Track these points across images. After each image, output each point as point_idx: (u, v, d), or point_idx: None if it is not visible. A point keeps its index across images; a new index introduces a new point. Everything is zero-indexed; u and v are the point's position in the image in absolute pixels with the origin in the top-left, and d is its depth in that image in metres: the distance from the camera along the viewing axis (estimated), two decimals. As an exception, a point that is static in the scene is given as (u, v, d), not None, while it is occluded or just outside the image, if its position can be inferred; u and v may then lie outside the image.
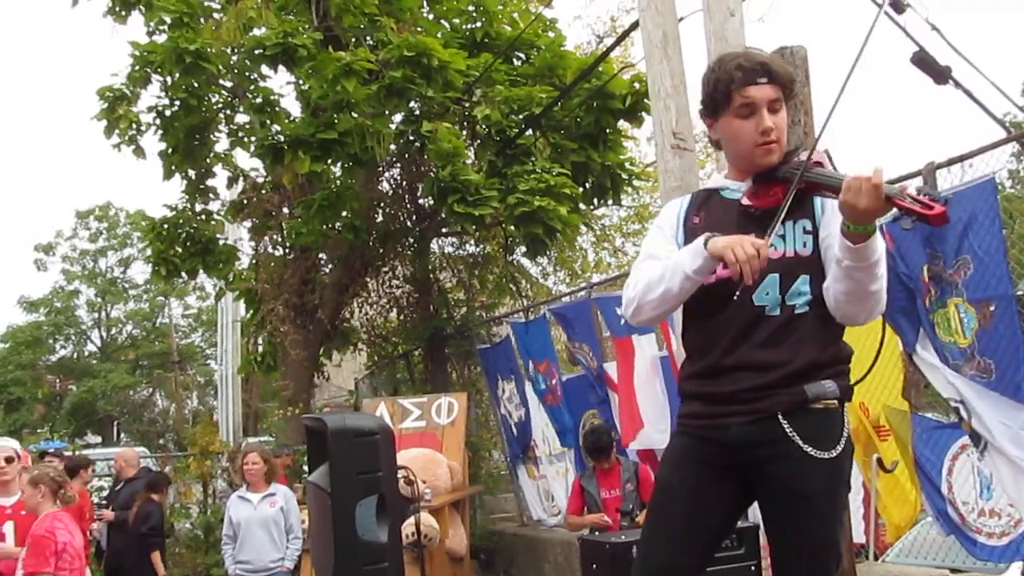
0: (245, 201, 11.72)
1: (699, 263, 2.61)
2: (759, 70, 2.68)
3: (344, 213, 10.31)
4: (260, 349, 12.60)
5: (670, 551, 2.79)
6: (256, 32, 9.56)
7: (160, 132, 10.33)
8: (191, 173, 11.22)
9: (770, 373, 2.62)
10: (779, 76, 2.69)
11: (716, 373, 2.70)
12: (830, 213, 2.60)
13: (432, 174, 9.12)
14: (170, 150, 10.62)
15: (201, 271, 11.66)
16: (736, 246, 2.49)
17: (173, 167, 10.84)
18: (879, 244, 2.43)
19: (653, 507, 2.98)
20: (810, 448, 2.57)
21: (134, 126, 10.21)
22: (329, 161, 9.50)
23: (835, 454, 2.58)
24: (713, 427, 2.72)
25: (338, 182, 10.34)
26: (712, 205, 2.84)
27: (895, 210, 2.37)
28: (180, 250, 11.08)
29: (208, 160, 11.18)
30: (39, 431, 29.33)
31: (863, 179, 2.31)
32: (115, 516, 8.53)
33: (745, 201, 2.73)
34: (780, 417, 2.61)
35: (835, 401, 2.62)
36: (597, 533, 5.86)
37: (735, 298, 2.62)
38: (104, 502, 8.82)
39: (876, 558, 5.33)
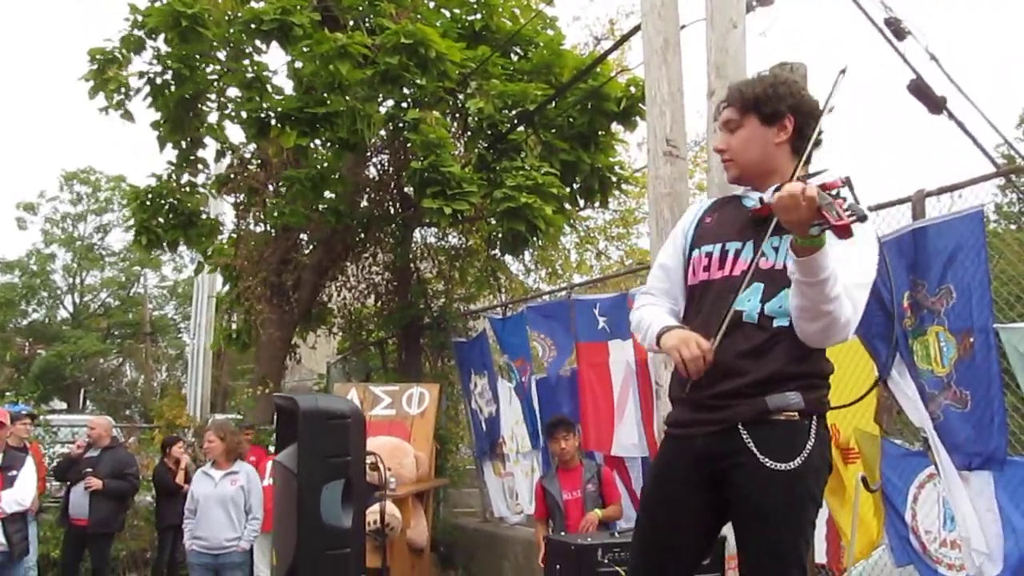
0: (232, 176, 11.61)
1: (655, 348, 2.78)
2: (729, 95, 2.89)
3: (328, 195, 10.23)
4: (235, 326, 12.48)
5: (646, 562, 2.89)
6: (254, 5, 9.44)
7: (150, 100, 10.17)
8: (181, 143, 11.07)
9: (736, 379, 2.65)
10: (735, 98, 2.84)
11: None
12: None
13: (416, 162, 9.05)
14: (161, 119, 10.46)
15: (183, 243, 11.53)
16: (682, 346, 2.62)
17: (166, 139, 10.67)
18: (828, 261, 2.43)
19: (637, 516, 3.04)
20: (767, 460, 2.59)
21: (123, 90, 10.04)
22: (318, 141, 9.40)
23: (793, 466, 2.58)
24: (687, 436, 2.78)
25: (325, 163, 10.25)
26: (728, 209, 2.92)
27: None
28: (163, 220, 10.93)
29: (199, 131, 11.04)
30: (7, 394, 29.01)
31: (797, 195, 2.35)
32: (104, 484, 8.46)
33: (754, 207, 2.79)
34: (741, 427, 2.63)
35: (797, 413, 2.62)
36: (563, 533, 5.85)
37: (713, 304, 2.73)
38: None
39: (835, 580, 5.34)
